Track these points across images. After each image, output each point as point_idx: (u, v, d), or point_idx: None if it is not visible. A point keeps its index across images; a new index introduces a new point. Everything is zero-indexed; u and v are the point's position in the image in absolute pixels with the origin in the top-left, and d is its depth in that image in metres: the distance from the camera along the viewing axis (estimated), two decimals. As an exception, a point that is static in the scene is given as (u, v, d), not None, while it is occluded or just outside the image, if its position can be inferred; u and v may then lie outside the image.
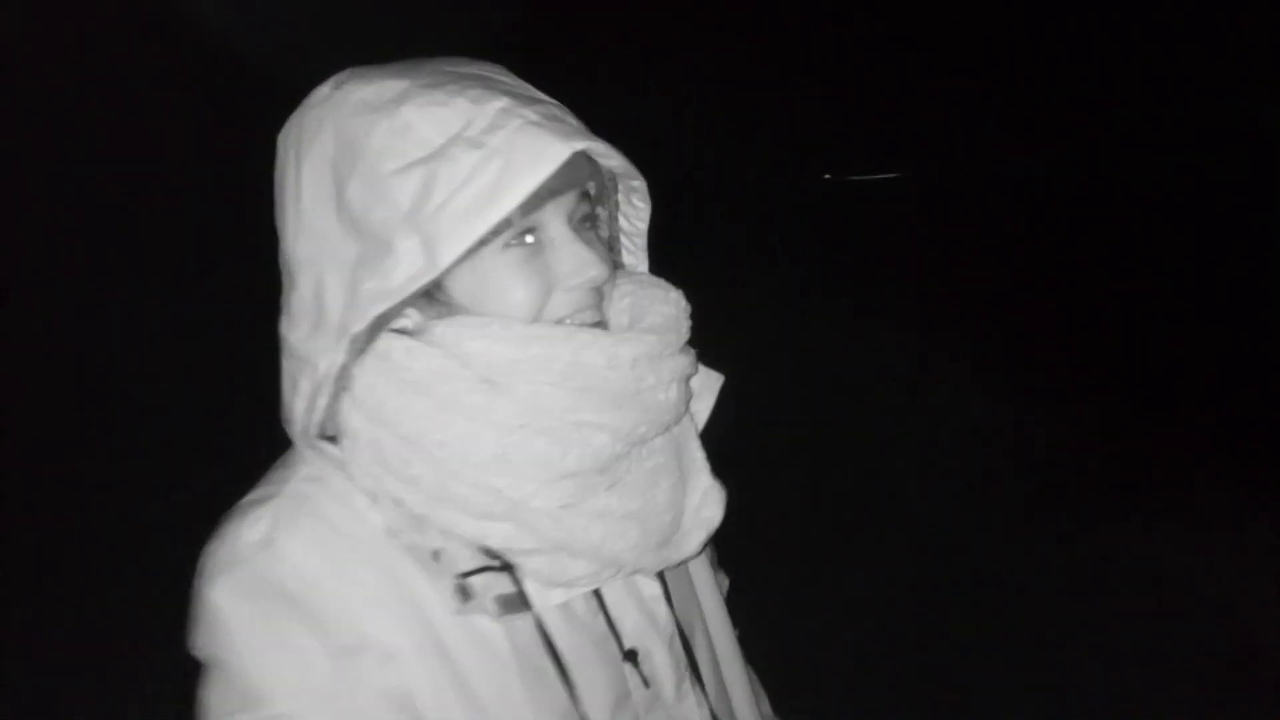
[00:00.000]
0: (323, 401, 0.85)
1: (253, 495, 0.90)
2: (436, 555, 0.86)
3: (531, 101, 0.85)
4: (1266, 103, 8.32)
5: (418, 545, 0.86)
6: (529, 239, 0.85)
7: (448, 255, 0.79)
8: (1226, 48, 8.58)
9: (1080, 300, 8.14)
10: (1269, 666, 3.27)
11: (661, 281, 1.01)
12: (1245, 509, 4.46)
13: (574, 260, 0.86)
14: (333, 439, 0.88)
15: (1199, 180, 8.83)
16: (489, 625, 0.88)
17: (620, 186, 0.99)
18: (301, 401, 0.86)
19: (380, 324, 0.83)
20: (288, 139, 0.88)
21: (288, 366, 0.88)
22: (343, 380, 0.85)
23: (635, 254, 1.04)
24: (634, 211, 1.01)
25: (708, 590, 1.12)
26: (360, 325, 0.81)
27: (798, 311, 6.96)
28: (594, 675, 0.93)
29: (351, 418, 0.85)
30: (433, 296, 0.86)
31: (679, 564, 0.98)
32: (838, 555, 4.08)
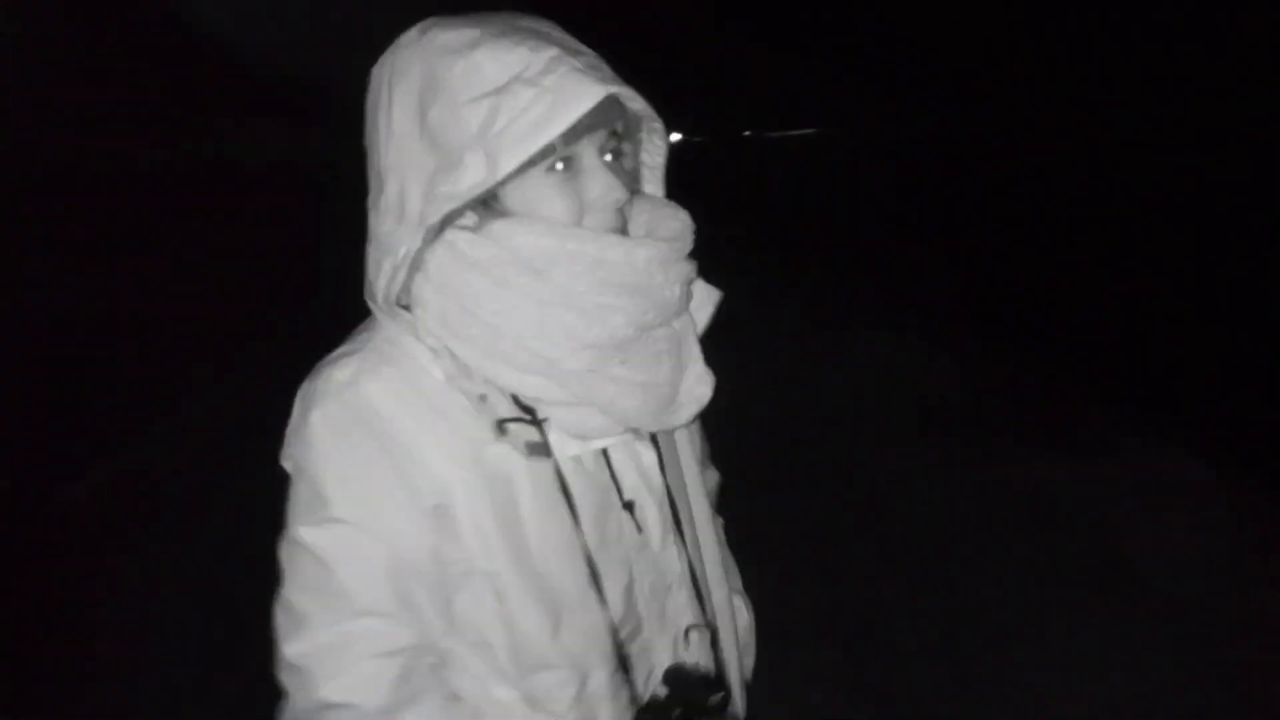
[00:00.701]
0: (401, 277, 1.04)
1: (342, 349, 1.10)
2: (483, 398, 1.06)
3: (577, 53, 1.03)
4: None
5: (469, 390, 1.06)
6: (562, 166, 1.03)
7: (505, 168, 0.98)
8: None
9: (987, 253, 8.51)
10: (1135, 578, 3.58)
11: (672, 204, 1.20)
12: (1120, 439, 4.83)
13: (602, 185, 1.05)
14: (406, 309, 1.08)
15: (1081, 129, 9.20)
16: (518, 462, 1.07)
17: (644, 127, 1.17)
18: (383, 279, 1.05)
19: (448, 221, 1.03)
20: (382, 72, 1.07)
21: (372, 253, 1.08)
22: (417, 263, 1.05)
23: (654, 184, 1.22)
24: (654, 148, 1.20)
25: (692, 467, 1.32)
26: (434, 219, 1.01)
27: (729, 266, 7.11)
28: (596, 516, 1.13)
29: (424, 290, 1.05)
30: (489, 205, 1.04)
31: (673, 429, 1.19)
32: (761, 495, 4.27)
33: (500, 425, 1.06)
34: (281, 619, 1.06)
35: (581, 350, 1.04)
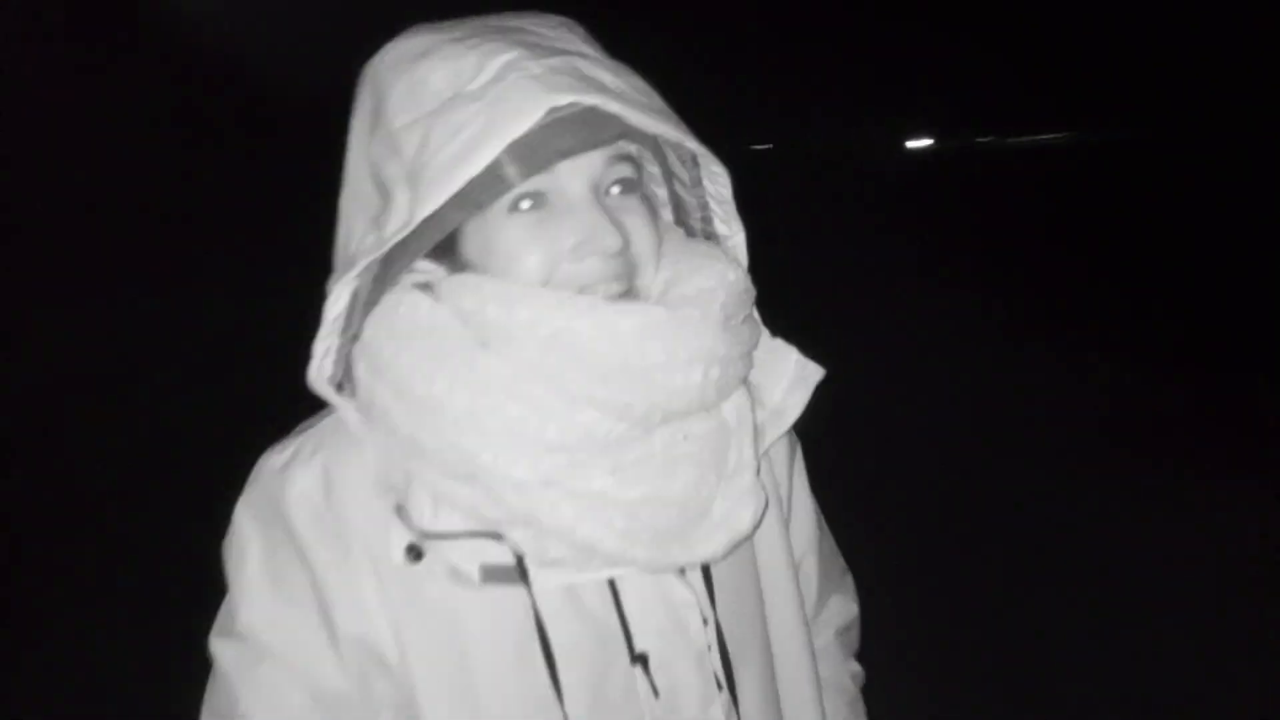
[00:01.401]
0: (324, 345, 0.85)
1: (294, 431, 0.92)
2: (400, 510, 0.84)
3: (552, 53, 0.81)
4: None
5: (389, 495, 0.85)
6: (529, 204, 0.82)
7: (425, 208, 0.77)
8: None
9: (1154, 265, 7.83)
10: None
11: (715, 252, 0.92)
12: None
13: (582, 227, 0.81)
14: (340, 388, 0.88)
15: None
16: (469, 594, 0.84)
17: (693, 152, 0.91)
18: (317, 346, 0.86)
19: (393, 276, 0.84)
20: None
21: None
22: (352, 330, 0.85)
23: (728, 222, 0.96)
24: (713, 177, 0.94)
25: (784, 604, 1.01)
26: (355, 271, 0.82)
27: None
28: (588, 672, 0.86)
29: (358, 365, 0.85)
30: (453, 255, 0.85)
31: (686, 565, 0.88)
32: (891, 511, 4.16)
33: (413, 549, 0.83)
34: None
35: (538, 454, 0.80)
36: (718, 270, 0.89)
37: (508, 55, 0.80)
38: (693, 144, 0.87)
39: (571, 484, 0.80)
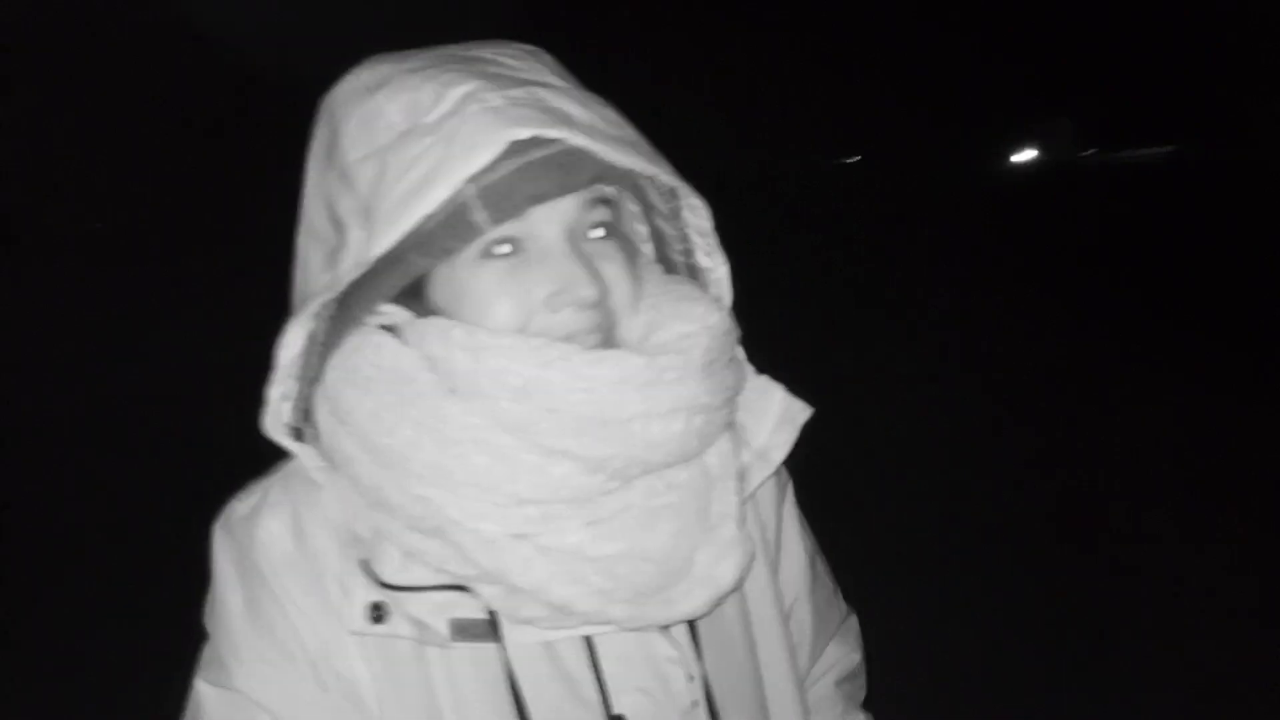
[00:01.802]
0: (284, 389, 0.83)
1: (259, 480, 0.89)
2: (364, 565, 0.80)
3: (515, 84, 0.78)
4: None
5: (354, 548, 0.82)
6: (504, 249, 0.78)
7: (377, 246, 0.74)
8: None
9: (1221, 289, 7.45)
10: None
11: (694, 293, 0.88)
12: None
13: (556, 276, 0.78)
14: (298, 434, 0.86)
15: None
16: (440, 651, 0.81)
17: (676, 188, 0.88)
18: (274, 391, 0.83)
19: (347, 318, 0.80)
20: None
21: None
22: (311, 373, 0.82)
23: (711, 254, 0.93)
24: (693, 209, 0.90)
25: (776, 655, 0.97)
26: (303, 314, 0.79)
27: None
28: None
29: (318, 410, 0.81)
30: (420, 300, 0.81)
31: (661, 625, 0.84)
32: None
33: (375, 608, 0.79)
34: None
35: (508, 507, 0.76)
36: (698, 314, 0.84)
37: (466, 86, 0.76)
38: (668, 177, 0.83)
39: (544, 539, 0.77)
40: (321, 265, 0.80)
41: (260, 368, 0.82)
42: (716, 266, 0.92)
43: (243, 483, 0.89)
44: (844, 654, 1.13)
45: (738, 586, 0.84)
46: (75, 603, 3.98)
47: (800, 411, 0.93)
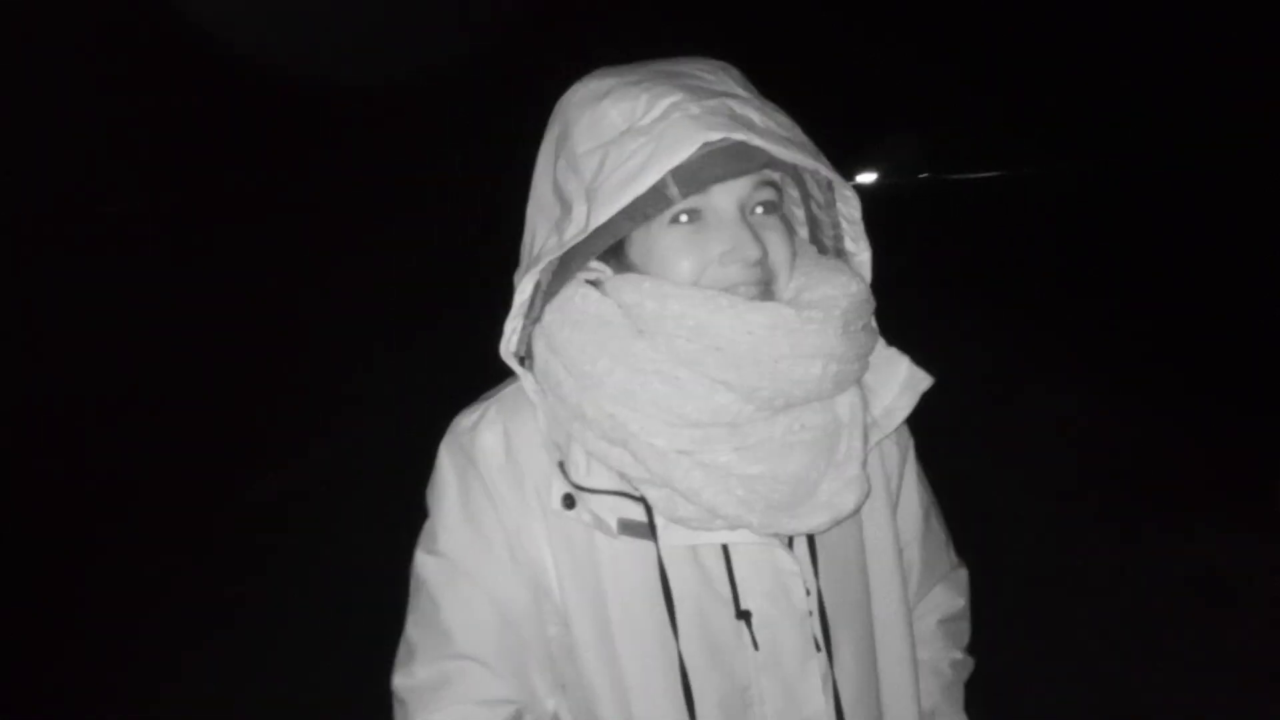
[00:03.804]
0: (515, 325, 1.02)
1: (482, 397, 1.11)
2: (562, 465, 1.01)
3: (710, 96, 0.96)
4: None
5: (554, 453, 1.02)
6: (686, 218, 0.96)
7: (597, 219, 0.93)
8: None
9: (1167, 304, 8.01)
10: None
11: (841, 267, 1.05)
12: None
13: (728, 239, 0.96)
14: (523, 361, 1.06)
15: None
16: (605, 541, 1.00)
17: (831, 180, 1.05)
18: (507, 327, 1.02)
19: (568, 272, 0.99)
20: (550, 120, 1.06)
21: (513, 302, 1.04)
22: (534, 315, 1.01)
23: (857, 240, 1.10)
24: (846, 199, 1.07)
25: (887, 585, 1.12)
26: (535, 270, 0.98)
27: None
28: (702, 621, 1.00)
29: (537, 343, 1.01)
30: (619, 258, 1.00)
31: (793, 534, 1.01)
32: None
33: (568, 499, 1.00)
34: (400, 646, 1.07)
35: (678, 427, 0.94)
36: (841, 281, 1.01)
37: (673, 97, 0.95)
38: (827, 172, 1.00)
39: (701, 456, 0.94)
40: (548, 232, 1.00)
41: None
42: (861, 251, 1.10)
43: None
44: (950, 598, 1.27)
45: (854, 514, 0.99)
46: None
47: (923, 380, 1.07)
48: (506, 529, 1.03)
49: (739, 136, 0.92)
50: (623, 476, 0.99)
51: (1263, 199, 8.57)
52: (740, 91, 1.00)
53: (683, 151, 0.91)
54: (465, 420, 1.08)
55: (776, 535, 0.99)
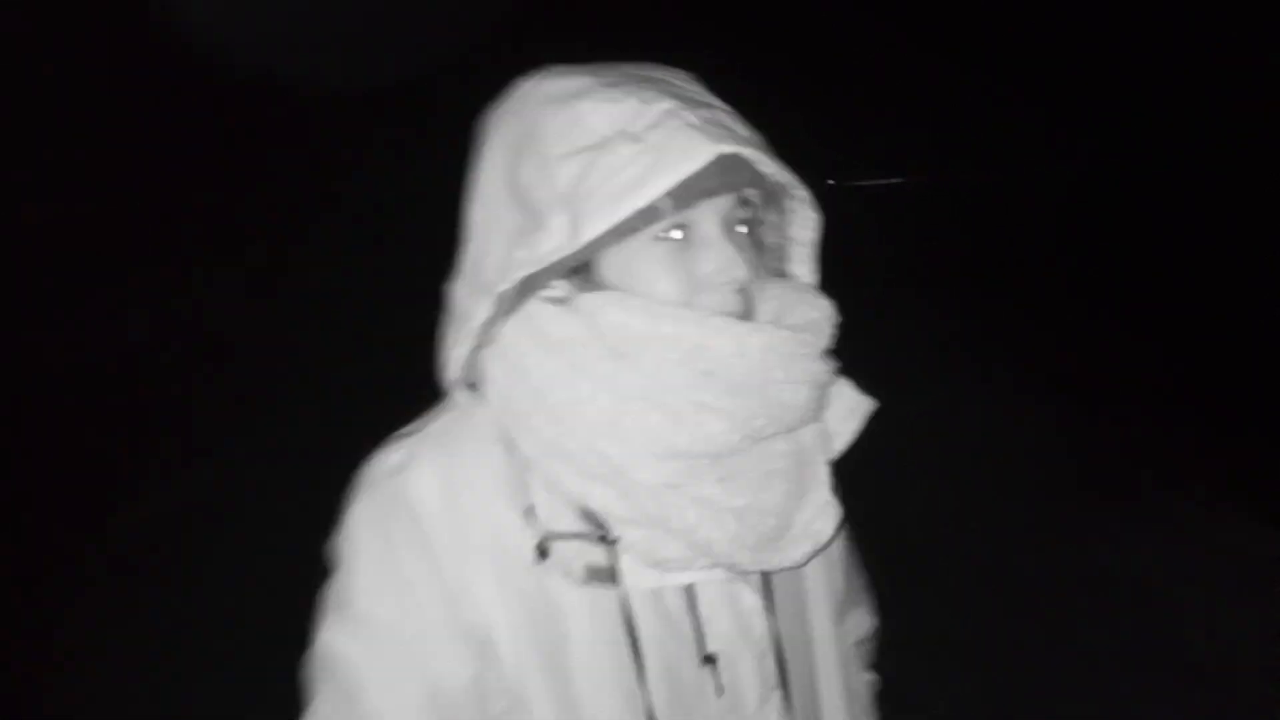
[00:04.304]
0: (464, 351, 0.92)
1: (405, 429, 0.97)
2: (529, 511, 0.90)
3: (700, 105, 0.90)
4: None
5: (519, 496, 0.91)
6: (678, 234, 0.89)
7: (589, 233, 0.85)
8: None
9: (1055, 304, 8.27)
10: (1191, 656, 3.42)
11: (811, 289, 1.02)
12: (1183, 508, 4.60)
13: (718, 259, 0.89)
14: (474, 387, 0.95)
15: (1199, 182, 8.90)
16: (572, 591, 0.91)
17: (790, 195, 1.00)
18: (452, 351, 0.93)
19: (529, 289, 0.90)
20: (486, 123, 0.95)
21: (447, 321, 0.95)
22: (487, 334, 0.91)
23: (803, 263, 1.05)
24: (804, 221, 1.03)
25: (822, 614, 1.10)
26: (505, 286, 0.88)
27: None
28: (668, 668, 0.94)
29: (493, 366, 0.91)
30: (584, 275, 0.91)
31: (777, 570, 0.97)
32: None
33: (541, 548, 0.90)
34: None
35: (664, 459, 0.87)
36: (820, 304, 0.99)
37: (665, 104, 0.88)
38: (802, 190, 0.98)
39: (688, 489, 0.88)
40: (508, 243, 0.90)
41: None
42: (806, 275, 1.05)
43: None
44: (864, 618, 1.26)
45: (831, 542, 0.97)
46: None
47: (864, 404, 1.04)
48: (446, 591, 0.91)
49: (748, 152, 0.88)
50: (592, 517, 0.91)
51: (1219, 199, 8.83)
52: (717, 103, 0.94)
53: (692, 163, 0.85)
54: (389, 461, 0.94)
55: (742, 570, 0.94)
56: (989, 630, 3.65)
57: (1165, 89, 9.19)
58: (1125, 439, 5.51)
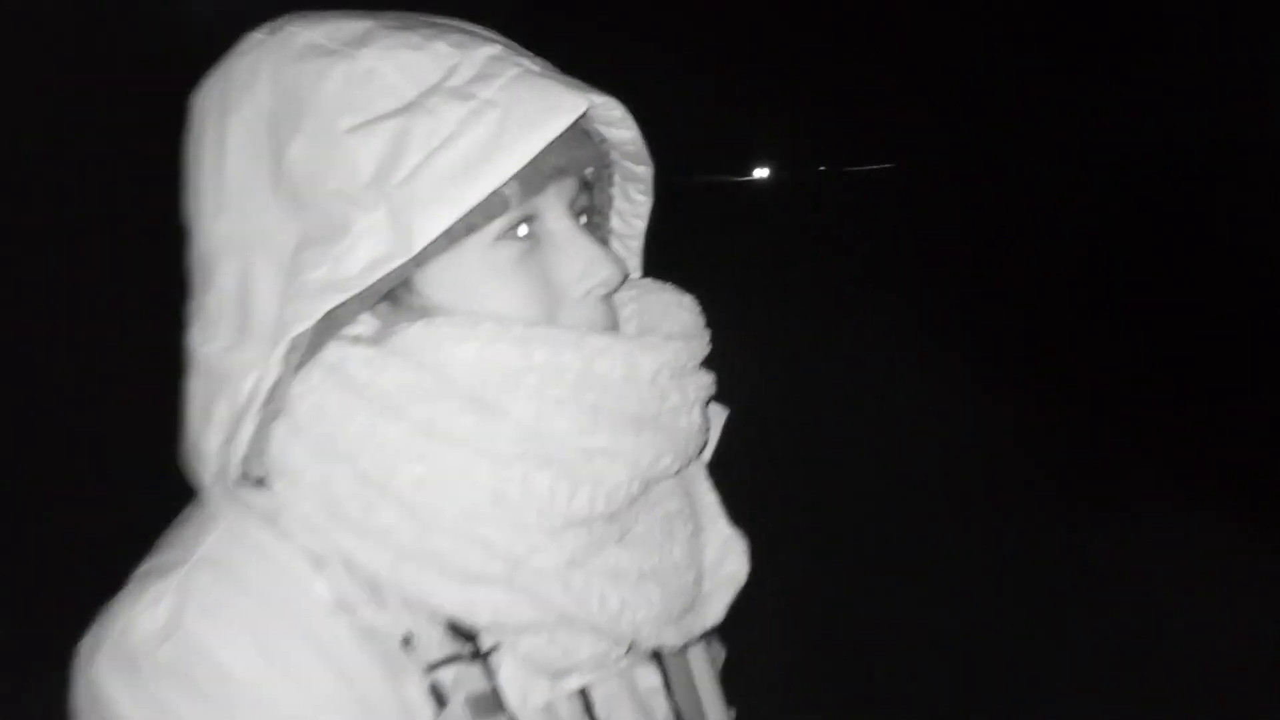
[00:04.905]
0: (247, 432, 0.64)
1: (150, 563, 0.68)
2: (408, 641, 0.67)
3: (528, 55, 0.70)
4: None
5: (379, 628, 0.66)
6: (523, 231, 0.68)
7: (425, 233, 0.62)
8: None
9: (1035, 294, 8.30)
10: (1170, 652, 3.41)
11: (667, 287, 0.83)
12: (1164, 504, 4.55)
13: (583, 259, 0.69)
14: (259, 483, 0.67)
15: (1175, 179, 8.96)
16: None
17: (617, 175, 0.81)
18: (217, 434, 0.65)
19: (331, 328, 0.65)
20: (208, 98, 0.69)
21: (196, 390, 0.67)
22: (275, 403, 0.64)
23: (629, 258, 0.85)
24: (629, 208, 0.83)
25: (704, 671, 0.91)
26: (304, 325, 0.63)
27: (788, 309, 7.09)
28: None
29: (291, 452, 0.64)
30: (397, 299, 0.68)
31: (701, 635, 0.79)
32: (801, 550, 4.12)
33: (436, 684, 0.67)
34: None
35: (562, 532, 0.66)
36: (687, 304, 0.81)
37: (489, 49, 0.67)
38: (645, 165, 0.78)
39: (592, 563, 0.68)
40: (287, 263, 0.64)
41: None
42: (634, 272, 0.86)
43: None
44: (718, 648, 1.05)
45: (746, 580, 0.80)
46: None
47: (719, 413, 0.84)
48: None
49: (615, 103, 0.69)
50: (457, 627, 0.69)
51: (1220, 194, 8.88)
52: (525, 52, 0.73)
53: (558, 119, 0.64)
54: (145, 620, 0.63)
55: (662, 648, 0.77)
56: (983, 628, 3.64)
57: (1168, 81, 9.20)
58: (1119, 435, 5.50)
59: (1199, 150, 8.89)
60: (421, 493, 0.64)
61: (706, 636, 0.95)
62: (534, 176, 0.65)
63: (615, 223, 0.84)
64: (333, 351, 0.66)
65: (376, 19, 0.69)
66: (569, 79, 0.68)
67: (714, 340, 0.80)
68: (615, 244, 0.85)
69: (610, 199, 0.83)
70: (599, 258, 0.70)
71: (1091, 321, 7.47)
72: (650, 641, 0.71)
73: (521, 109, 0.63)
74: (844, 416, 5.62)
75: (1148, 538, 4.28)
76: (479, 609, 0.65)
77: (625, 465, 0.67)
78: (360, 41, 0.66)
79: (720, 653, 1.06)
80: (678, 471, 0.74)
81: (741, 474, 1.08)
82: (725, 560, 0.79)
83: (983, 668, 3.40)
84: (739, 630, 0.95)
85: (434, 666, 0.67)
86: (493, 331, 0.65)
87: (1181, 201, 8.79)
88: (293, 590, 0.66)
